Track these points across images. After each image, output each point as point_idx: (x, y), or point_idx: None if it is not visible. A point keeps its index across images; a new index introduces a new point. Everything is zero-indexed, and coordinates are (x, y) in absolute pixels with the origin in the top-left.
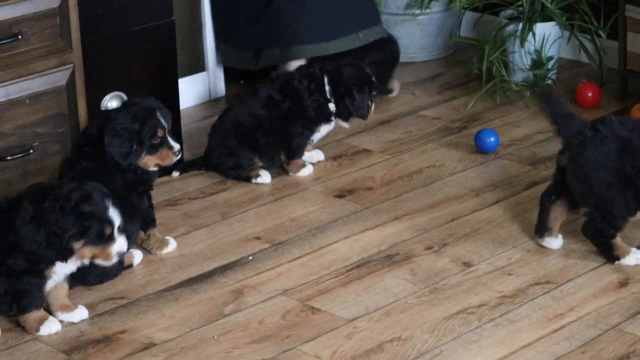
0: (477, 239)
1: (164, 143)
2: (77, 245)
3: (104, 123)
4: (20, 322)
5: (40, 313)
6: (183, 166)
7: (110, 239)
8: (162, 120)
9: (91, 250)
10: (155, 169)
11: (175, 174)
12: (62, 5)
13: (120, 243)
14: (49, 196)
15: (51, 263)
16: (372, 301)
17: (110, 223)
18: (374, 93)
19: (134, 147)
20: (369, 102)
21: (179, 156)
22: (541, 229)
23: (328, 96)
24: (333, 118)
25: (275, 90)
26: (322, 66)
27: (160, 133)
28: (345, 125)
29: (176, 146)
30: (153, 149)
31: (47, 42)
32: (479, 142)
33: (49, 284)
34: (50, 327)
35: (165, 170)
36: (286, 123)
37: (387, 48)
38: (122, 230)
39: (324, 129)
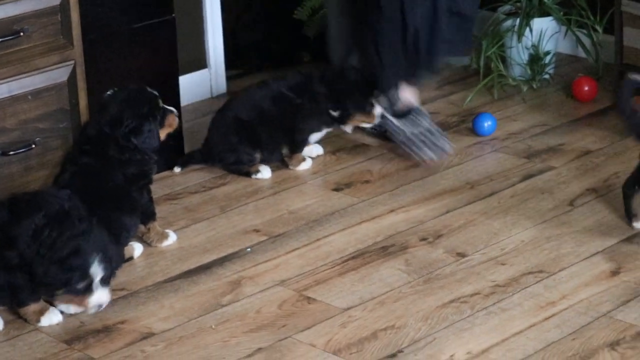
0: (471, 230)
1: (165, 111)
2: (58, 292)
3: (113, 126)
4: (21, 314)
5: (39, 305)
6: (183, 161)
7: (88, 290)
8: (154, 92)
9: (69, 298)
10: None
11: (177, 169)
12: (63, 3)
13: (98, 296)
14: (45, 242)
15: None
16: (367, 291)
17: (91, 278)
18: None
19: (154, 126)
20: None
21: (179, 120)
22: (629, 215)
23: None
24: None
25: (287, 88)
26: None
27: (160, 103)
28: (347, 129)
29: (174, 110)
30: (162, 121)
31: (49, 39)
32: (476, 125)
33: None
34: (51, 318)
35: (168, 164)
36: (296, 119)
37: None
38: (105, 282)
39: (325, 131)
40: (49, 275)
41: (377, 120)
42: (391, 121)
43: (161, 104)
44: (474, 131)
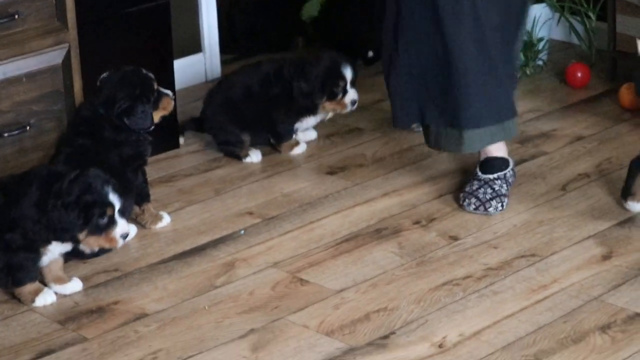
0: (464, 214)
1: (160, 94)
2: (81, 236)
3: (108, 105)
4: (16, 294)
5: (35, 285)
6: (181, 129)
7: (111, 223)
8: (151, 74)
9: (96, 239)
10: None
11: (182, 139)
12: None
13: (122, 225)
14: (53, 191)
15: (47, 242)
16: (360, 273)
17: (112, 206)
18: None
19: (148, 107)
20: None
21: (174, 102)
22: (625, 193)
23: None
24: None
25: (273, 72)
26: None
27: (155, 86)
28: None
29: (169, 92)
30: (155, 103)
31: (43, 22)
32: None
33: (44, 260)
34: (45, 298)
35: (162, 147)
36: (272, 108)
37: None
38: (122, 213)
39: (309, 121)
40: (69, 222)
41: (349, 108)
42: None
43: (156, 86)
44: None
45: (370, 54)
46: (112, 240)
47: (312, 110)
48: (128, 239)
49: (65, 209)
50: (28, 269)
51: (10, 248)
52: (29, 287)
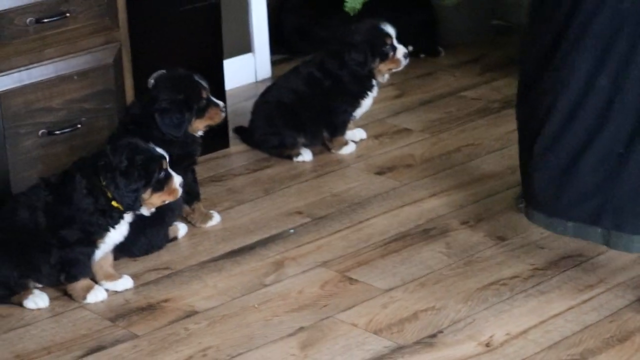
0: (512, 215)
1: (209, 103)
2: (146, 195)
3: (149, 102)
4: (68, 290)
5: (87, 282)
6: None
7: (168, 175)
8: (203, 82)
9: (159, 196)
10: (201, 133)
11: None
12: None
13: (176, 175)
14: (102, 167)
15: (105, 232)
16: (408, 273)
17: (165, 159)
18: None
19: (185, 115)
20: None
21: (225, 112)
22: None
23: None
24: (374, 86)
25: (316, 68)
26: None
27: (204, 94)
28: (380, 80)
29: (221, 103)
30: (201, 112)
31: (95, 20)
32: None
33: (98, 254)
34: (97, 295)
35: (212, 147)
36: (329, 101)
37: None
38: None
39: (366, 103)
40: (133, 186)
41: (404, 63)
42: None
43: (206, 95)
44: None
45: (410, 48)
46: (174, 191)
47: (368, 84)
48: (180, 235)
49: (125, 177)
50: (83, 264)
51: (68, 243)
52: (81, 284)
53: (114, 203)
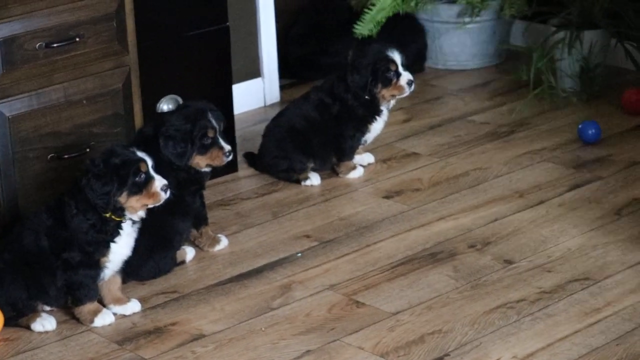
0: (519, 238)
1: (214, 143)
2: (122, 199)
3: (158, 125)
4: (75, 314)
5: (94, 305)
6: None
7: (148, 179)
8: (213, 121)
9: (138, 199)
10: (207, 169)
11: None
12: (118, 10)
13: (158, 178)
14: (78, 177)
15: (106, 249)
16: (415, 296)
17: (143, 162)
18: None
19: (188, 147)
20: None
21: (230, 157)
22: None
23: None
24: (383, 110)
25: (325, 94)
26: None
27: (210, 133)
28: (385, 108)
29: (227, 147)
30: (203, 149)
31: (104, 44)
32: (582, 134)
33: (104, 274)
34: (104, 318)
35: (221, 171)
36: (338, 126)
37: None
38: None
39: (375, 127)
40: (105, 188)
41: (407, 91)
42: None
43: (212, 134)
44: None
45: None
46: (155, 194)
47: (376, 110)
48: (188, 259)
49: (98, 178)
50: (88, 287)
51: (71, 266)
52: (88, 307)
53: (105, 214)
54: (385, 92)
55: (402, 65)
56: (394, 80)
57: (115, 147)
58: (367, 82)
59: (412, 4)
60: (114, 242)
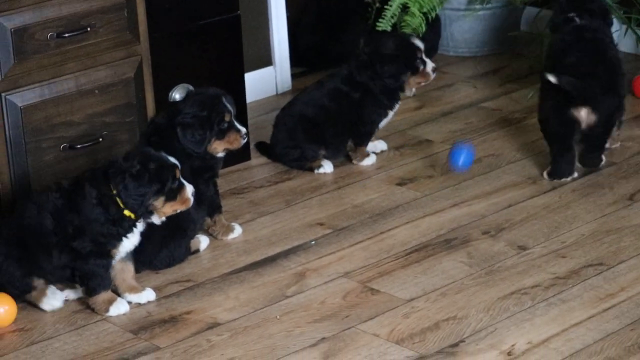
0: (533, 224)
1: (231, 127)
2: (158, 204)
3: (172, 114)
4: (90, 304)
5: (108, 294)
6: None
7: (180, 185)
8: (228, 105)
9: (171, 205)
10: (223, 154)
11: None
12: None
13: (188, 185)
14: (112, 174)
15: (119, 241)
16: (429, 283)
17: (178, 167)
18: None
19: (207, 133)
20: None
21: (246, 139)
22: None
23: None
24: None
25: (341, 82)
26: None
27: (227, 117)
28: (408, 94)
29: (243, 129)
30: (221, 134)
31: (115, 34)
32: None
33: (118, 257)
34: (119, 307)
35: (234, 159)
36: (358, 111)
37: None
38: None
39: (391, 113)
40: (143, 191)
41: (432, 77)
42: None
43: (228, 118)
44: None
45: None
46: (187, 200)
47: (397, 95)
48: (202, 247)
49: (135, 179)
50: (101, 277)
51: (81, 255)
52: (103, 297)
53: (125, 212)
54: (412, 80)
55: (425, 52)
56: (421, 68)
57: (149, 151)
58: (400, 70)
59: None
60: (127, 237)
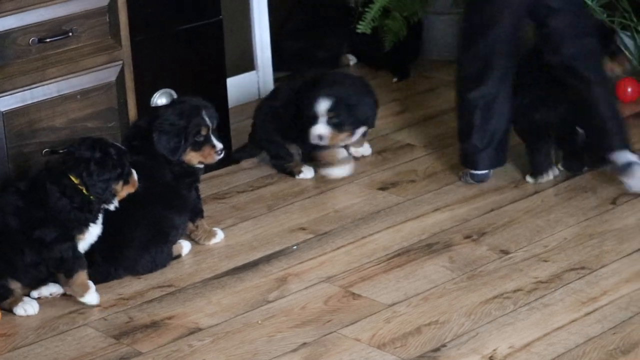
0: (515, 228)
1: (207, 141)
2: (118, 187)
3: (153, 119)
4: (70, 287)
5: (86, 276)
6: (237, 157)
7: (130, 169)
8: (207, 119)
9: (127, 188)
10: (200, 165)
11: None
12: (111, 4)
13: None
14: (71, 165)
15: (85, 227)
16: (411, 287)
17: (128, 152)
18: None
19: (182, 142)
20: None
21: (222, 155)
22: None
23: None
24: None
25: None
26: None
27: (204, 131)
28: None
29: (219, 145)
30: (197, 146)
31: (97, 39)
32: None
33: (81, 246)
34: (94, 297)
35: (216, 164)
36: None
37: None
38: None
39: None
40: (104, 177)
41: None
42: None
43: (204, 132)
44: None
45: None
46: (135, 182)
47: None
48: (184, 252)
49: (100, 165)
50: (72, 258)
51: (45, 243)
52: (81, 277)
53: (92, 197)
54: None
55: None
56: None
57: (103, 138)
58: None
59: None
60: (94, 222)
